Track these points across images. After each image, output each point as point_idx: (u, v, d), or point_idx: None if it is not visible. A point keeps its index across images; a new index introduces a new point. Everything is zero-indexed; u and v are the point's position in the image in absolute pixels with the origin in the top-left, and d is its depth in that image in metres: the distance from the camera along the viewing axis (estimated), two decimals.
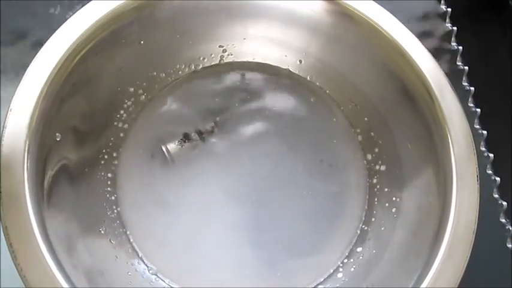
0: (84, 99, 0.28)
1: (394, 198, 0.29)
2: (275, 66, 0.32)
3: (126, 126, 0.30)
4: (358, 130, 0.31)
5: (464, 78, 0.34)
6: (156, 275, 0.27)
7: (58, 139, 0.26)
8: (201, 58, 0.31)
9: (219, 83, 0.31)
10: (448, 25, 0.36)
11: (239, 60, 0.32)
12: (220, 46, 0.31)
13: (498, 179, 0.32)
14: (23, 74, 0.25)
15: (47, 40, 0.26)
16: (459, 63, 0.34)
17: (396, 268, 0.26)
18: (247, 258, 0.28)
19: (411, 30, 0.28)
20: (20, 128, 0.24)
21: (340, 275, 0.28)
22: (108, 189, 0.29)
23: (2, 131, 0.24)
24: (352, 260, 0.28)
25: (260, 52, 0.32)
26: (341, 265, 0.28)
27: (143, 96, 0.31)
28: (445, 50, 0.34)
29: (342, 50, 0.30)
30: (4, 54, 0.32)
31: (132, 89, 0.30)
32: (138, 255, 0.28)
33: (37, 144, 0.24)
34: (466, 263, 0.24)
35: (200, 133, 0.30)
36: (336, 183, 0.30)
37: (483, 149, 0.33)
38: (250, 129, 0.30)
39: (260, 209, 0.29)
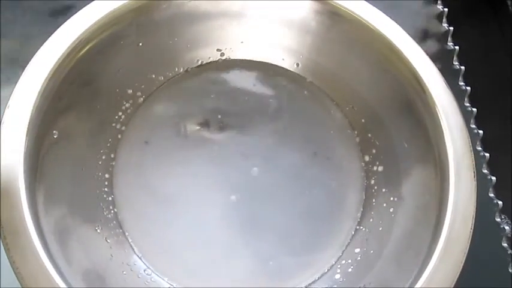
0: (82, 99, 0.28)
1: (391, 199, 0.29)
2: (272, 68, 0.32)
3: (123, 128, 0.30)
4: (356, 132, 0.31)
5: (460, 78, 0.34)
6: (152, 274, 0.27)
7: (55, 137, 0.26)
8: (199, 61, 0.32)
9: (217, 85, 0.31)
10: (445, 25, 0.36)
11: (237, 62, 0.32)
12: (218, 50, 0.32)
13: (494, 178, 0.32)
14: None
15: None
16: (455, 63, 0.35)
17: (394, 267, 0.26)
18: (243, 257, 0.28)
19: (407, 31, 0.28)
20: (18, 125, 0.24)
21: (337, 275, 0.28)
22: (105, 189, 0.29)
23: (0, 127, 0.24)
24: (350, 260, 0.28)
25: (257, 55, 0.32)
26: (339, 266, 0.28)
27: (141, 99, 0.31)
28: (441, 50, 0.35)
29: (336, 51, 0.30)
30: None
31: (130, 91, 0.30)
32: (136, 255, 0.27)
33: (34, 141, 0.25)
34: (464, 259, 0.24)
35: (198, 132, 0.30)
36: (333, 183, 0.30)
37: (479, 148, 0.33)
38: (248, 129, 0.30)
39: (256, 207, 0.29)
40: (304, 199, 0.29)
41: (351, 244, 0.29)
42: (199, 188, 0.29)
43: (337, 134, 0.31)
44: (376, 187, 0.30)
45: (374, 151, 0.30)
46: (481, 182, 0.29)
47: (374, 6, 0.28)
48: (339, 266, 0.28)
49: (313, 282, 0.27)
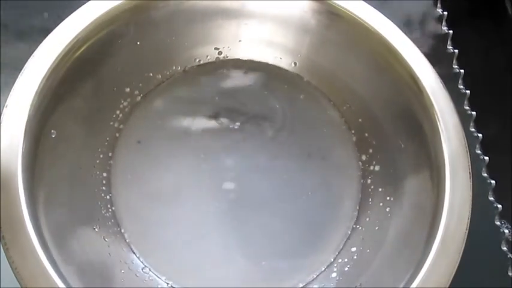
0: (80, 97, 0.28)
1: (388, 198, 0.29)
2: (270, 67, 0.32)
3: (121, 126, 0.30)
4: (353, 131, 0.31)
5: (460, 81, 0.34)
6: (150, 273, 0.27)
7: (53, 136, 0.26)
8: (197, 60, 0.32)
9: (214, 83, 0.31)
10: (444, 28, 0.36)
11: (234, 61, 0.32)
12: (215, 48, 0.32)
13: (493, 181, 0.32)
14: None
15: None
16: (455, 66, 0.35)
17: (390, 267, 0.26)
18: (239, 256, 0.28)
19: (407, 33, 0.28)
20: (16, 124, 0.24)
21: (334, 274, 0.28)
22: (103, 188, 0.29)
23: None
24: (346, 259, 0.28)
25: (255, 54, 0.32)
26: (335, 264, 0.28)
27: (139, 97, 0.31)
28: (441, 53, 0.35)
29: (334, 50, 0.30)
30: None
31: (128, 90, 0.30)
32: (134, 253, 0.28)
33: (32, 140, 0.25)
34: (459, 259, 0.24)
35: (196, 131, 0.30)
36: (329, 182, 0.30)
37: (478, 151, 0.33)
38: (244, 127, 0.31)
39: (253, 206, 0.29)
40: (301, 198, 0.29)
41: (348, 243, 0.29)
42: (197, 187, 0.29)
43: (333, 133, 0.31)
44: (372, 186, 0.30)
45: (371, 151, 0.30)
46: (480, 186, 0.30)
47: (371, 7, 0.29)
48: (335, 265, 0.28)
49: (310, 281, 0.28)
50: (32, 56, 0.26)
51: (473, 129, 0.33)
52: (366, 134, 0.31)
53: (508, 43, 0.34)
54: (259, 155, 0.30)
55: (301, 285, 0.28)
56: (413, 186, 0.28)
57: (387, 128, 0.30)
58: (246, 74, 0.32)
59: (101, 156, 0.29)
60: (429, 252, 0.24)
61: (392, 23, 0.29)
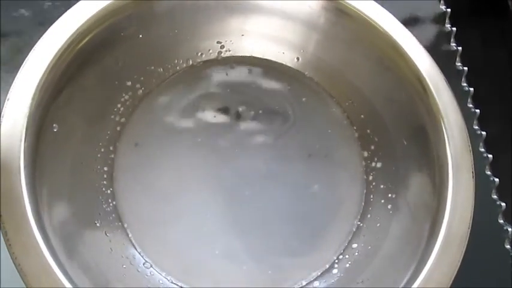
0: (81, 91, 0.28)
1: (389, 195, 0.29)
2: (273, 62, 0.32)
3: (123, 120, 0.30)
4: (355, 127, 0.31)
5: (463, 79, 0.34)
6: (151, 268, 0.27)
7: (55, 130, 0.26)
8: (199, 54, 0.31)
9: (216, 78, 0.31)
10: (448, 25, 0.36)
11: (237, 56, 0.32)
12: (218, 42, 0.31)
13: (497, 180, 0.32)
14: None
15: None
16: (458, 63, 0.35)
17: (391, 264, 0.26)
18: (241, 252, 0.28)
19: (410, 30, 0.28)
20: (17, 118, 0.24)
21: (335, 270, 0.28)
22: (104, 182, 0.29)
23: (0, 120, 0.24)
24: (347, 256, 0.28)
25: (258, 48, 0.32)
26: (336, 261, 0.28)
27: (141, 91, 0.31)
28: (444, 51, 0.35)
29: (338, 47, 0.30)
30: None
31: (129, 83, 0.30)
32: (135, 249, 0.28)
33: (34, 134, 0.24)
34: (461, 258, 0.24)
35: (198, 125, 0.30)
36: (333, 179, 0.30)
37: (482, 149, 0.33)
38: (247, 124, 0.30)
39: (254, 204, 0.29)
40: (303, 195, 0.29)
41: (351, 240, 0.29)
42: (198, 183, 0.29)
43: (336, 130, 0.31)
44: (374, 183, 0.30)
45: (373, 147, 0.30)
46: (484, 184, 0.30)
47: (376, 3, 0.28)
48: (336, 261, 0.28)
49: (315, 279, 0.28)
50: (33, 49, 0.25)
51: (476, 127, 0.33)
52: (368, 131, 0.31)
53: (511, 40, 0.34)
54: (262, 152, 0.30)
55: (304, 283, 0.28)
56: (415, 184, 0.28)
57: (390, 125, 0.30)
58: (248, 68, 0.32)
59: (102, 150, 0.29)
60: (431, 251, 0.24)
61: (398, 21, 0.28)
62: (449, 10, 0.36)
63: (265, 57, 0.32)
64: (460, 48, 0.35)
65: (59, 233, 0.24)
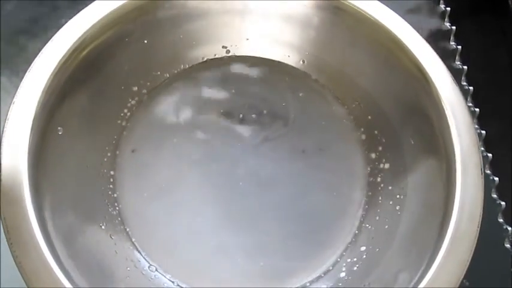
0: (87, 95, 0.28)
1: (398, 196, 0.28)
2: (278, 65, 0.32)
3: (129, 124, 0.30)
4: (362, 129, 0.31)
5: (463, 78, 0.34)
6: (156, 271, 0.27)
7: (60, 133, 0.26)
8: (205, 58, 0.32)
9: (222, 82, 0.31)
10: (447, 24, 0.36)
11: (242, 59, 0.32)
12: (223, 46, 0.32)
13: (496, 179, 0.31)
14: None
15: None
16: (458, 62, 0.34)
17: (399, 265, 0.26)
18: (245, 253, 0.27)
19: None
20: (22, 121, 0.24)
21: (343, 274, 0.27)
22: (110, 186, 0.29)
23: (5, 123, 0.24)
24: (355, 258, 0.28)
25: (263, 52, 0.32)
26: (344, 264, 0.28)
27: (147, 96, 0.31)
28: (443, 50, 0.34)
29: (343, 48, 0.30)
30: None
31: (135, 88, 0.30)
32: (139, 252, 0.27)
33: (38, 137, 0.25)
34: (470, 258, 0.23)
35: (204, 129, 0.30)
36: (338, 181, 0.29)
37: (482, 148, 0.32)
38: (253, 126, 0.30)
39: (259, 205, 0.29)
40: (309, 196, 0.29)
41: (357, 242, 0.28)
42: (204, 188, 0.29)
43: (342, 131, 0.31)
44: (382, 185, 0.29)
45: (380, 148, 0.30)
46: (484, 183, 0.29)
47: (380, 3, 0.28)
48: (344, 264, 0.28)
49: (318, 279, 0.27)
50: (39, 54, 0.26)
51: (476, 126, 0.33)
52: (376, 132, 0.30)
53: (511, 39, 0.33)
54: (267, 154, 0.30)
55: (309, 285, 0.27)
56: (423, 185, 0.27)
57: (397, 125, 0.29)
58: (254, 72, 0.32)
59: (109, 154, 0.29)
60: (439, 251, 0.23)
61: (401, 18, 0.28)
62: (448, 9, 0.36)
63: (269, 60, 0.32)
64: (459, 47, 0.35)
65: (62, 235, 0.24)
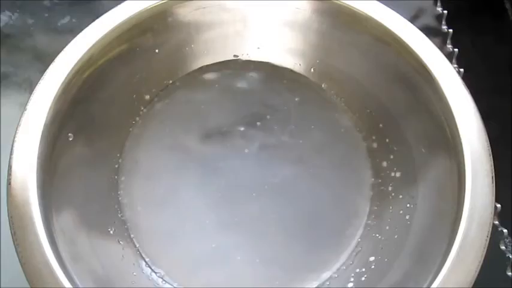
0: (99, 103, 0.29)
1: (408, 205, 0.27)
2: (289, 75, 0.32)
3: (141, 132, 0.31)
4: (374, 137, 0.30)
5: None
6: (162, 278, 0.27)
7: (71, 139, 0.27)
8: (217, 67, 0.32)
9: (233, 90, 0.32)
10: (444, 27, 0.35)
11: (253, 67, 0.32)
12: (234, 56, 0.32)
13: (499, 206, 0.30)
14: None
15: None
16: (455, 65, 0.34)
17: (406, 275, 0.25)
18: (249, 261, 0.27)
19: None
20: (34, 127, 0.25)
21: (351, 284, 0.27)
22: (121, 192, 0.29)
23: (16, 129, 0.25)
24: (364, 269, 0.27)
25: (274, 61, 0.32)
26: (352, 274, 0.27)
27: (159, 104, 0.31)
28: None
29: (354, 56, 0.30)
30: None
31: (148, 97, 0.31)
32: (145, 260, 0.28)
33: (49, 143, 0.25)
34: (479, 267, 0.22)
35: (214, 137, 0.30)
36: (348, 190, 0.29)
37: None
38: (263, 134, 0.30)
39: (266, 213, 0.28)
40: (315, 204, 0.29)
41: (366, 252, 0.28)
42: (211, 195, 0.29)
43: (353, 140, 0.30)
44: (393, 194, 0.29)
45: (392, 157, 0.29)
46: None
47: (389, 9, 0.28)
48: (352, 275, 0.27)
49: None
50: (53, 62, 0.27)
51: None
52: (387, 140, 0.30)
53: (508, 42, 0.33)
54: (273, 161, 0.30)
55: None
56: (433, 193, 0.26)
57: (408, 133, 0.29)
58: (265, 81, 0.32)
59: (120, 160, 0.30)
60: (446, 262, 0.23)
61: (413, 26, 0.28)
62: (445, 12, 0.36)
63: (281, 69, 0.32)
64: (456, 49, 0.34)
65: (69, 239, 0.25)
